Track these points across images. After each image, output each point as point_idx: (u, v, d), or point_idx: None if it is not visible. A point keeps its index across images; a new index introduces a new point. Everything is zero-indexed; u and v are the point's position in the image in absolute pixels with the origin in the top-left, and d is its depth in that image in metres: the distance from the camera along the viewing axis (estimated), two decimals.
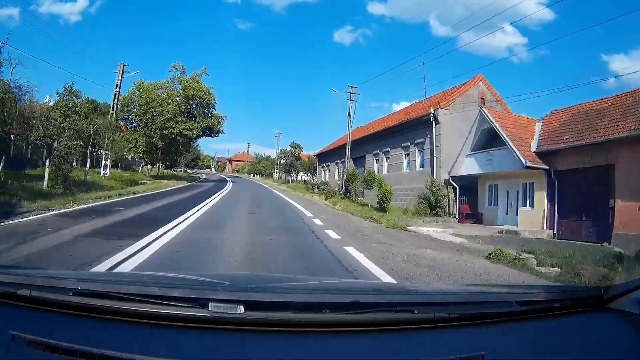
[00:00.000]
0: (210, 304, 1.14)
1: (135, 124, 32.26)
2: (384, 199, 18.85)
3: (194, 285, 1.59)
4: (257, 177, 66.23)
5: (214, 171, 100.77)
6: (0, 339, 1.06)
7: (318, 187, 30.93)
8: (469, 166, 18.31)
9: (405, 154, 23.89)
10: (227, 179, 45.45)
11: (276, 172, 60.36)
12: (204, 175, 57.39)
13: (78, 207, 11.40)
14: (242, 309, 1.13)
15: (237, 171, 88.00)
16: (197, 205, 13.64)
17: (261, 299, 1.23)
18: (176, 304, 1.17)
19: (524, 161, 14.59)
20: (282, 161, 57.40)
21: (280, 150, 58.48)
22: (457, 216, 18.76)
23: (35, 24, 69.49)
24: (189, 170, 75.40)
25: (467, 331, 1.24)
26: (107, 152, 25.14)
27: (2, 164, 14.30)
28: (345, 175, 25.84)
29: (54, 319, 1.18)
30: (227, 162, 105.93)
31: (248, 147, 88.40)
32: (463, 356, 1.08)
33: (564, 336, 1.27)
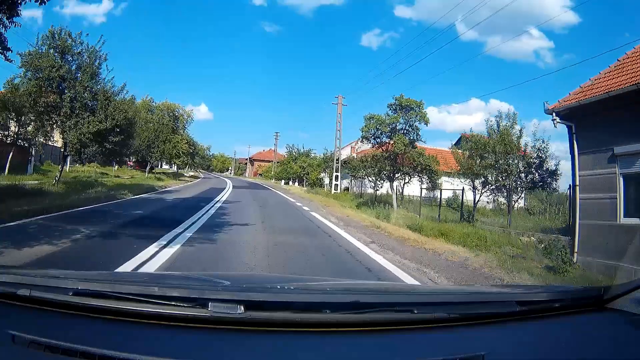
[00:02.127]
0: (210, 303, 1.14)
1: None
2: None
3: (194, 285, 1.59)
4: (296, 186, 38.37)
5: (231, 175, 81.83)
6: (0, 339, 1.06)
7: None
8: None
9: None
10: (224, 193, 21.44)
11: (333, 178, 29.87)
12: (190, 182, 34.69)
13: None
14: (242, 309, 1.13)
15: (261, 175, 64.94)
16: None
17: (261, 299, 1.23)
18: (176, 304, 1.17)
19: None
20: (359, 150, 28.98)
21: (372, 118, 19.51)
22: None
23: None
24: (190, 173, 57.23)
25: (467, 331, 1.24)
26: None
27: None
28: None
29: (54, 319, 1.17)
30: (248, 163, 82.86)
31: (276, 139, 58.92)
32: (463, 356, 1.08)
33: (564, 336, 1.27)
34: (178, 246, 6.13)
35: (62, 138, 16.45)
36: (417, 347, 1.16)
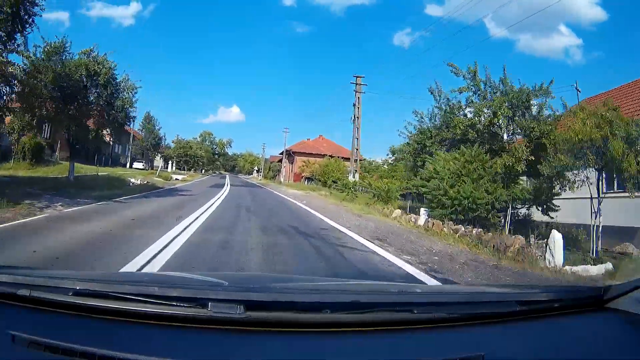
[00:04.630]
0: (210, 304, 1.14)
1: None
2: None
3: (194, 285, 1.60)
4: None
5: (259, 178, 59.60)
6: (0, 339, 1.06)
7: None
8: None
9: None
10: None
11: None
12: None
13: None
14: (242, 309, 1.13)
15: (311, 179, 38.83)
16: None
17: (261, 299, 1.23)
18: (176, 304, 1.17)
19: None
20: None
21: None
22: None
23: None
24: (177, 176, 33.32)
25: (467, 331, 1.24)
26: None
27: None
28: None
29: (54, 319, 1.17)
30: (284, 159, 52.92)
31: (358, 90, 25.28)
32: (463, 356, 1.08)
33: (564, 336, 1.27)
34: None
35: None
36: (417, 347, 1.16)
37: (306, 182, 38.25)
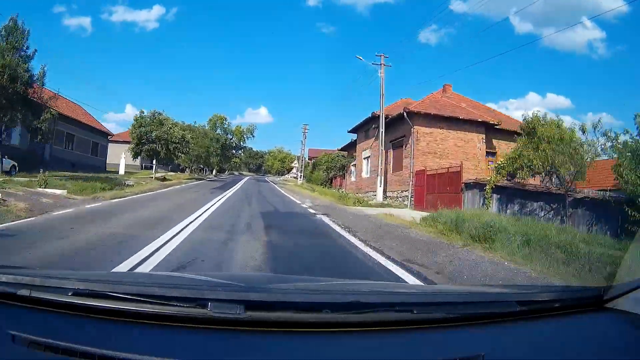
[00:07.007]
0: (210, 304, 1.14)
1: None
2: None
3: (194, 285, 1.59)
4: None
5: (298, 185, 36.01)
6: (0, 339, 1.06)
7: None
8: None
9: None
10: None
11: None
12: None
13: None
14: (242, 309, 1.13)
15: (503, 190, 11.25)
16: None
17: (261, 299, 1.23)
18: (176, 304, 1.17)
19: None
20: None
21: None
22: None
23: None
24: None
25: (467, 331, 1.24)
26: None
27: None
28: None
29: (54, 319, 1.17)
30: (380, 139, 19.89)
31: None
32: (463, 356, 1.08)
33: (564, 336, 1.27)
34: None
35: None
36: (417, 347, 1.16)
37: (496, 206, 12.87)
